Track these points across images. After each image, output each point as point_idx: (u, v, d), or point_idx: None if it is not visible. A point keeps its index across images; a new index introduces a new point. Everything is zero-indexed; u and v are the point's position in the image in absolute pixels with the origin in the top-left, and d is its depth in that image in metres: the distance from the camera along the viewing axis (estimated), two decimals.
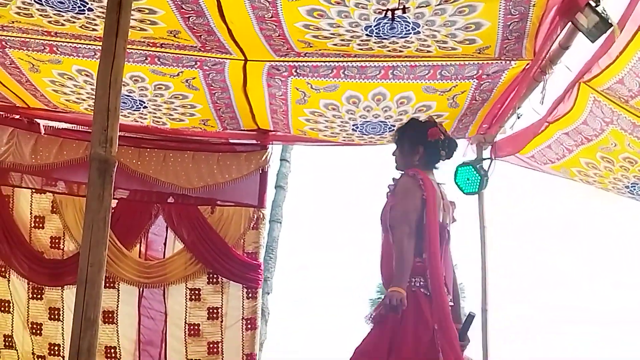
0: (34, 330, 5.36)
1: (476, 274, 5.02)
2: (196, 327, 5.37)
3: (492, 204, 5.21)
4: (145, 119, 5.14)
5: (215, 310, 5.39)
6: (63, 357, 5.31)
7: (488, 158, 5.01)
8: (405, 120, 4.35)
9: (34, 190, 5.46)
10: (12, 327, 5.36)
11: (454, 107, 4.59)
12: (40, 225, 5.46)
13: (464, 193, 5.00)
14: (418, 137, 3.86)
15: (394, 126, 4.67)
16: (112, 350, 5.36)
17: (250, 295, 5.40)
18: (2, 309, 5.37)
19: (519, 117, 4.53)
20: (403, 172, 3.83)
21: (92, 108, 2.60)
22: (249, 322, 5.38)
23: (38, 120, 5.39)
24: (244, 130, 5.32)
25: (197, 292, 5.39)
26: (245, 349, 5.37)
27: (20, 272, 5.37)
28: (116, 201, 5.29)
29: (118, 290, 5.39)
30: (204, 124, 5.20)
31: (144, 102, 4.82)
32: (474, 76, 4.16)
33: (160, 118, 5.11)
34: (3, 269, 5.36)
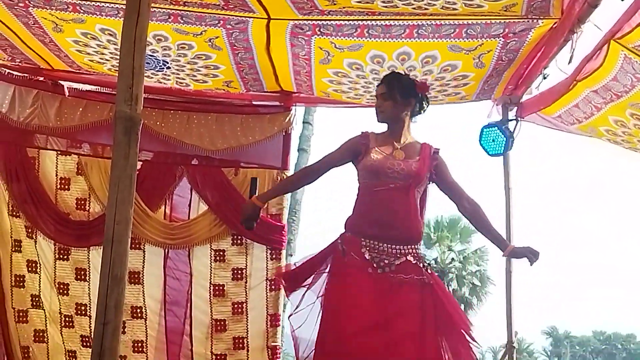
0: (61, 290, 5.44)
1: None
2: (221, 288, 5.41)
3: (518, 165, 5.16)
4: (168, 79, 5.13)
5: (239, 271, 5.42)
6: (90, 316, 5.38)
7: (514, 119, 4.95)
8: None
9: (59, 152, 5.50)
10: (40, 287, 5.43)
11: (479, 68, 4.53)
12: (66, 187, 5.50)
13: (489, 154, 4.96)
14: (409, 89, 3.82)
15: None
16: (138, 310, 5.43)
17: (274, 256, 5.42)
18: (30, 269, 5.43)
19: (545, 78, 4.46)
20: (421, 143, 3.82)
21: (116, 68, 2.61)
22: (272, 282, 5.41)
23: (62, 82, 5.41)
24: (267, 92, 5.31)
25: (221, 253, 5.43)
26: (270, 309, 5.42)
27: (47, 233, 5.43)
28: (140, 163, 5.30)
29: (144, 251, 5.44)
30: (227, 86, 5.19)
31: (167, 63, 4.80)
32: (500, 35, 4.09)
33: (184, 79, 5.10)
34: (30, 230, 5.42)
